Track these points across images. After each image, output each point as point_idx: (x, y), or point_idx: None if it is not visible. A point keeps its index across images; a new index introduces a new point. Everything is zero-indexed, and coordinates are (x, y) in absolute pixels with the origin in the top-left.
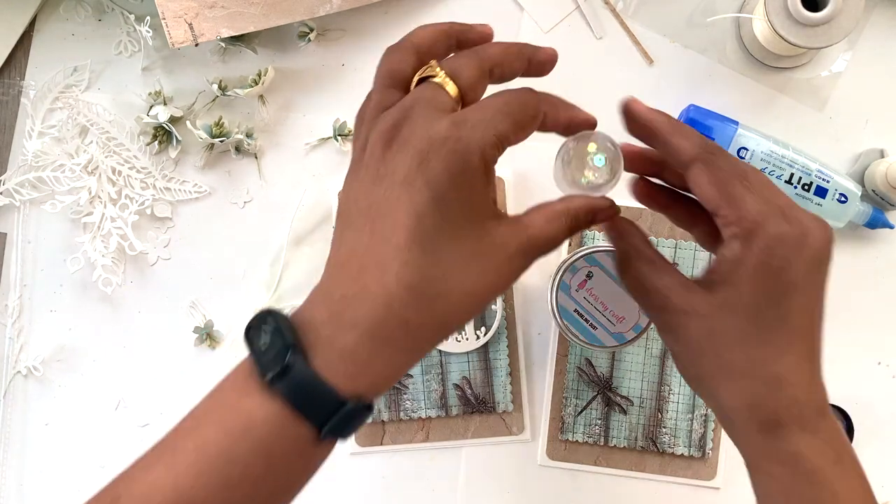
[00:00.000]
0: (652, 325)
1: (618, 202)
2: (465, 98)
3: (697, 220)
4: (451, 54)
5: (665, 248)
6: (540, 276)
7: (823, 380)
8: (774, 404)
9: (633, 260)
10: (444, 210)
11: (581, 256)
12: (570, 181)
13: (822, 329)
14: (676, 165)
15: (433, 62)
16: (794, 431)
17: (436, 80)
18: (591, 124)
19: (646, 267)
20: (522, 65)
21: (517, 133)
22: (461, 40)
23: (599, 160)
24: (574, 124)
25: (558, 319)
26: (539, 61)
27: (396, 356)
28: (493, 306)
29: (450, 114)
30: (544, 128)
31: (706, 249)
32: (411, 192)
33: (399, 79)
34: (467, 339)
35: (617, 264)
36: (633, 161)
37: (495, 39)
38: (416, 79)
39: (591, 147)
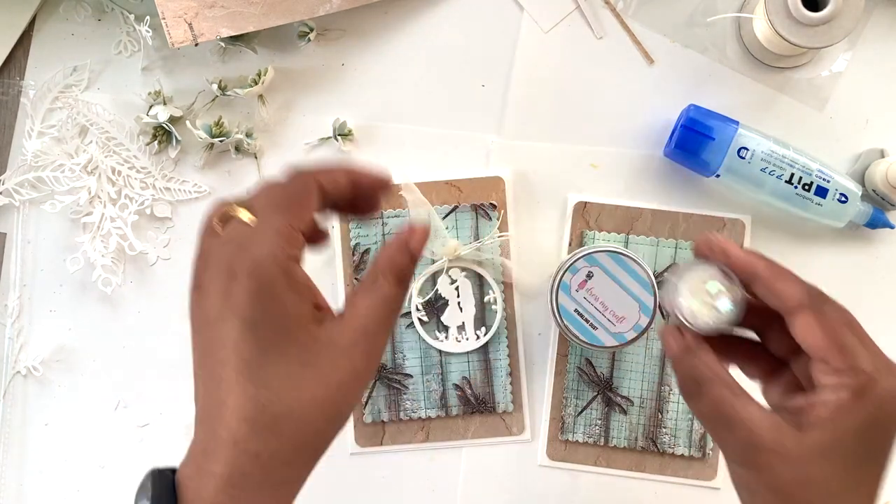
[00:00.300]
0: (652, 326)
1: (619, 202)
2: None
3: (775, 372)
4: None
5: (665, 247)
6: (540, 276)
7: None
8: None
9: (711, 384)
10: (258, 333)
11: (581, 257)
12: (688, 314)
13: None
14: (780, 310)
15: (234, 204)
16: None
17: (241, 215)
18: (381, 182)
19: (728, 393)
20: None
21: (302, 218)
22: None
23: (724, 304)
24: (363, 185)
25: (558, 319)
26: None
27: (261, 493)
28: (493, 306)
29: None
30: (337, 196)
31: (769, 399)
32: (224, 327)
33: (212, 226)
34: (467, 339)
35: (686, 387)
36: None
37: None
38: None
39: (713, 287)
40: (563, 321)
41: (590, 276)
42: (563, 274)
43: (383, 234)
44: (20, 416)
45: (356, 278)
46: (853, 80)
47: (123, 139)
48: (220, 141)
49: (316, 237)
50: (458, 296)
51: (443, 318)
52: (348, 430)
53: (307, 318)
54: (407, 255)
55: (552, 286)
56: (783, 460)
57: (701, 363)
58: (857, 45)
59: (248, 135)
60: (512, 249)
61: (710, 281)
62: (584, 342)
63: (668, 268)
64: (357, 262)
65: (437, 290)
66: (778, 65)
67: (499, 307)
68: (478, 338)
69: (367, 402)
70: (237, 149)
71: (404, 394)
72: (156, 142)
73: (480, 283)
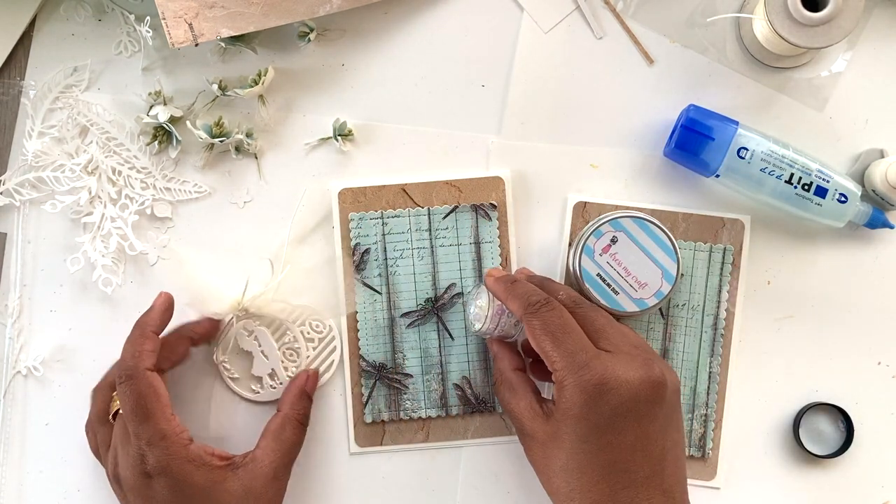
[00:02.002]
0: (672, 295)
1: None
2: None
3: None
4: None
5: None
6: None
7: None
8: None
9: (499, 384)
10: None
11: (606, 221)
12: (468, 323)
13: (639, 462)
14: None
15: (116, 399)
16: None
17: (121, 411)
18: (206, 333)
19: (507, 392)
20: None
21: (160, 362)
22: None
23: (477, 319)
24: (195, 335)
25: (581, 283)
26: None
27: None
28: (295, 345)
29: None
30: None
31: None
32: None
33: (104, 415)
34: (281, 383)
35: (494, 385)
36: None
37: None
38: (110, 418)
39: (474, 305)
40: (584, 285)
41: (614, 241)
42: (588, 238)
43: (383, 234)
44: (20, 416)
45: (356, 278)
46: (853, 80)
47: (124, 139)
48: (221, 141)
49: (176, 359)
50: (260, 345)
51: (253, 371)
52: (348, 430)
53: (219, 481)
54: (306, 399)
55: (575, 249)
56: (534, 443)
57: (496, 369)
58: (856, 46)
59: (249, 135)
60: (512, 250)
61: (477, 300)
62: (605, 307)
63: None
64: (357, 261)
65: (236, 344)
66: (778, 65)
67: (302, 346)
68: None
69: (367, 402)
70: (237, 149)
71: (404, 394)
72: (156, 142)
73: (280, 327)
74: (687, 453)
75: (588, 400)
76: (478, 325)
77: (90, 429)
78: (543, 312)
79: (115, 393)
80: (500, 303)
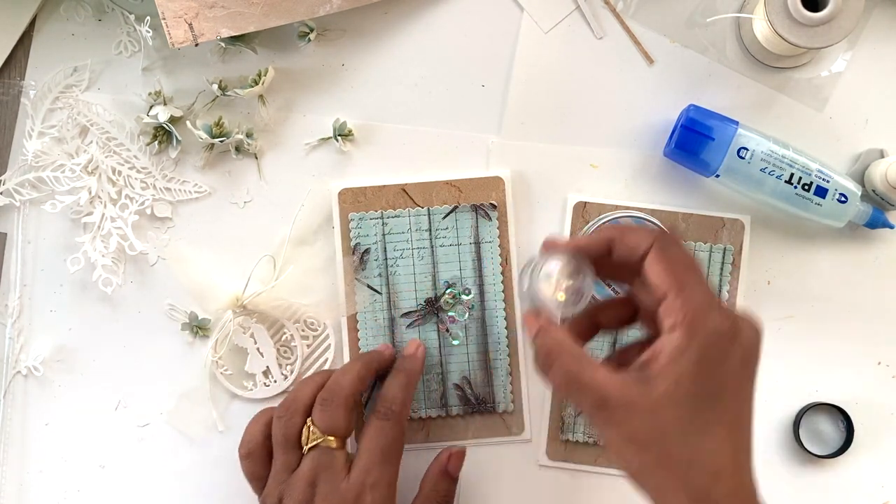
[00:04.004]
0: None
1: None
2: (347, 435)
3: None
4: (319, 402)
5: None
6: None
7: (754, 469)
8: (716, 495)
9: (560, 356)
10: None
11: (606, 221)
12: (543, 297)
13: (753, 421)
14: (635, 261)
15: (313, 426)
16: None
17: (322, 444)
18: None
19: (575, 363)
20: (373, 373)
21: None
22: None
23: (568, 292)
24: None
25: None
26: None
27: None
28: (292, 343)
29: (346, 469)
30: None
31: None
32: None
33: (294, 441)
34: (275, 381)
35: (540, 362)
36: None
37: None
38: (305, 447)
39: (560, 277)
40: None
41: None
42: None
43: (383, 234)
44: (20, 416)
45: (357, 278)
46: (853, 80)
47: (124, 139)
48: (221, 141)
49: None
50: (256, 342)
51: (246, 368)
52: None
53: None
54: (449, 481)
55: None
56: (632, 413)
57: (552, 340)
58: (856, 46)
59: (249, 135)
60: (512, 249)
61: (559, 272)
62: None
63: (529, 260)
64: (357, 261)
65: (232, 341)
66: (778, 65)
67: (298, 344)
68: (285, 377)
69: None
70: (237, 149)
71: None
72: (156, 142)
73: (275, 324)
74: None
75: (726, 345)
76: (557, 304)
77: (255, 456)
78: (675, 242)
79: (310, 420)
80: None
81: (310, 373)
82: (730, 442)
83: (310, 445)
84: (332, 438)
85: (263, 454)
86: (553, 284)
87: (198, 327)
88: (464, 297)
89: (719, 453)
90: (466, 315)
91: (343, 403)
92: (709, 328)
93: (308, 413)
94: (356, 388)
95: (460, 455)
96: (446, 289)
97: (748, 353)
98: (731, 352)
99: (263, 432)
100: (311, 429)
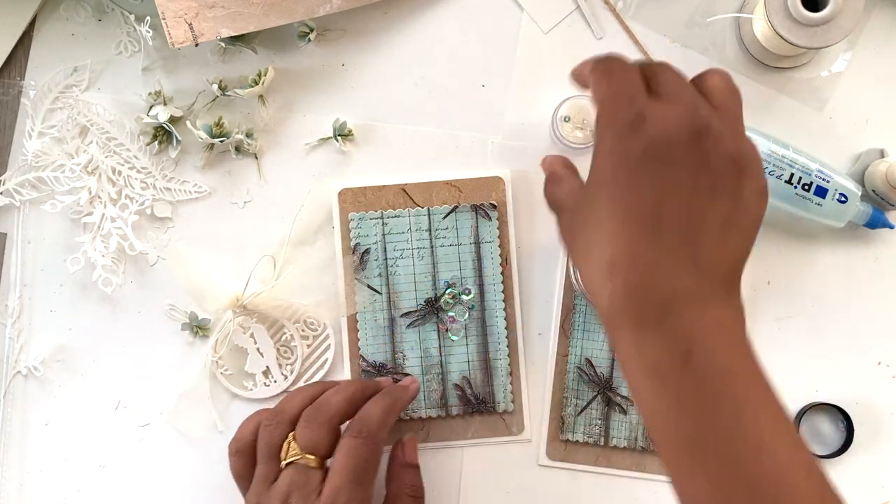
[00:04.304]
0: None
1: None
2: (328, 455)
3: None
4: (304, 417)
5: None
6: (540, 275)
7: (671, 266)
8: (615, 287)
9: (546, 183)
10: None
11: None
12: (563, 135)
13: (678, 222)
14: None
15: (293, 442)
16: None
17: (300, 461)
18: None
19: (552, 185)
20: (367, 399)
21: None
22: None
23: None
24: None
25: (580, 284)
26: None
27: None
28: (292, 344)
29: (320, 490)
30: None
31: None
32: None
33: (275, 451)
34: (275, 381)
35: (546, 192)
36: None
37: (493, 40)
38: (283, 461)
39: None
40: (583, 286)
41: None
42: None
43: (383, 234)
44: (20, 416)
45: (357, 278)
46: (853, 80)
47: (124, 139)
48: (221, 141)
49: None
50: (256, 342)
51: (246, 368)
52: None
53: None
54: (411, 470)
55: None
56: (567, 213)
57: (547, 172)
58: (856, 46)
59: (249, 135)
60: (512, 249)
61: (577, 109)
62: None
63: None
64: (357, 261)
65: (232, 341)
66: (778, 65)
67: (298, 344)
68: (285, 377)
69: None
70: (237, 149)
71: None
72: (156, 142)
73: (275, 324)
74: None
75: (622, 134)
76: (575, 139)
77: (243, 454)
78: (605, 61)
79: (292, 434)
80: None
81: (310, 373)
82: (623, 233)
83: (287, 461)
84: (311, 457)
85: (251, 455)
86: (570, 124)
87: (198, 327)
88: (464, 297)
89: (612, 242)
90: (466, 315)
91: (327, 422)
92: (614, 117)
93: (294, 425)
94: (344, 410)
95: (412, 441)
96: (446, 289)
97: (652, 138)
98: (631, 137)
99: (254, 433)
100: (290, 444)
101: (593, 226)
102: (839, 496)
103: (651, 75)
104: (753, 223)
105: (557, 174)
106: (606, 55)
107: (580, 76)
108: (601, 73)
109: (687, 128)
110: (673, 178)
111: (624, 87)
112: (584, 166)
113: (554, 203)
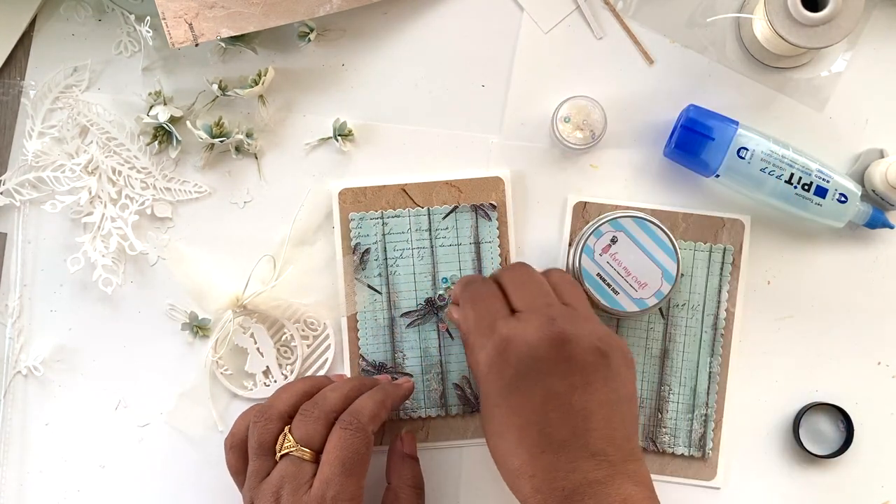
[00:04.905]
0: (671, 295)
1: (619, 202)
2: (322, 449)
3: None
4: (301, 412)
5: None
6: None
7: (548, 466)
8: (523, 494)
9: (465, 340)
10: None
11: (606, 221)
12: (562, 136)
13: (565, 424)
14: None
15: (289, 434)
16: None
17: (295, 453)
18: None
19: (466, 350)
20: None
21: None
22: (319, 390)
23: (584, 129)
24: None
25: (581, 283)
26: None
27: None
28: (292, 343)
29: (311, 483)
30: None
31: None
32: None
33: (268, 448)
34: (276, 381)
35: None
36: None
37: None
38: (278, 454)
39: (577, 114)
40: (584, 285)
41: (614, 241)
42: (588, 237)
43: (384, 234)
44: (20, 416)
45: (357, 278)
46: (853, 80)
47: (124, 139)
48: (221, 141)
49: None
50: (256, 342)
51: (246, 368)
52: None
53: None
54: (411, 462)
55: (575, 249)
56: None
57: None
58: (856, 46)
59: (249, 135)
60: (511, 249)
61: (577, 110)
62: (605, 307)
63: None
64: (357, 261)
65: (232, 341)
66: (777, 65)
67: (298, 344)
68: (285, 377)
69: None
70: (237, 149)
71: None
72: (156, 142)
73: (275, 324)
74: (687, 453)
75: (493, 361)
76: (575, 139)
77: (237, 450)
78: (468, 288)
79: (288, 427)
80: None
81: (310, 373)
82: (521, 447)
83: (282, 453)
84: (306, 450)
85: (246, 450)
86: (570, 124)
87: (198, 327)
88: None
89: (515, 455)
90: None
91: (324, 417)
92: (483, 346)
93: (284, 420)
94: (340, 406)
95: (410, 434)
96: (445, 286)
97: (520, 359)
98: (502, 363)
99: (247, 428)
100: (286, 436)
101: (496, 438)
102: None
103: (507, 290)
104: (631, 390)
105: (464, 341)
106: (466, 283)
107: (451, 309)
108: (464, 304)
109: (547, 339)
110: (548, 386)
111: (485, 315)
112: (584, 166)
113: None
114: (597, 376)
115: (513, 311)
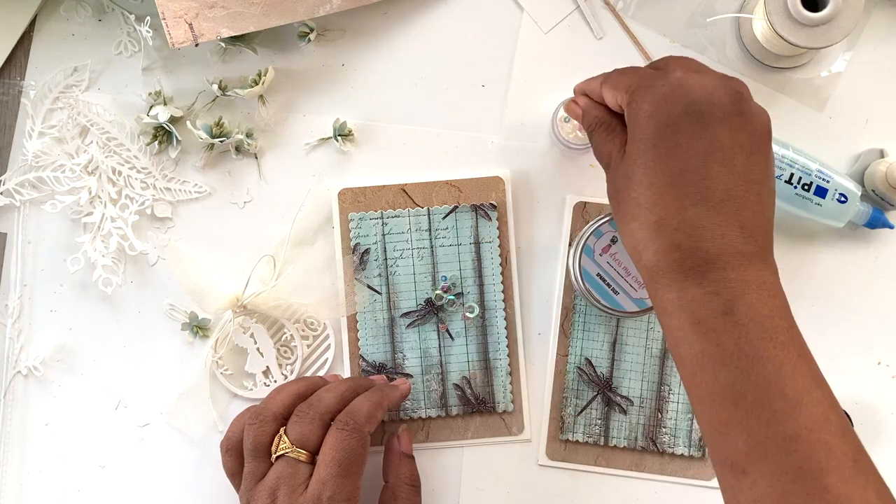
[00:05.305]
0: None
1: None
2: (318, 450)
3: None
4: (296, 413)
5: None
6: (540, 275)
7: (709, 231)
8: (654, 252)
9: (595, 128)
10: None
11: (606, 221)
12: (563, 135)
13: (724, 179)
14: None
15: (284, 436)
16: (674, 280)
17: (290, 454)
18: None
19: (604, 133)
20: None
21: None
22: (314, 391)
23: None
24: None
25: (580, 283)
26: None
27: None
28: (292, 344)
29: (307, 484)
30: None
31: None
32: None
33: (263, 450)
34: (276, 381)
35: (588, 134)
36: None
37: (493, 40)
38: (274, 455)
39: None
40: (584, 285)
41: (614, 241)
42: (588, 238)
43: (383, 234)
44: (20, 416)
45: (357, 278)
46: (853, 80)
47: (124, 139)
48: (221, 141)
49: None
50: (256, 342)
51: (246, 368)
52: None
53: None
54: (407, 461)
55: (575, 250)
56: (614, 173)
57: (592, 117)
58: (856, 46)
59: (249, 135)
60: (511, 250)
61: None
62: (605, 306)
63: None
64: (357, 261)
65: (232, 341)
66: (777, 65)
67: (298, 344)
68: (285, 377)
69: None
70: (237, 149)
71: None
72: (156, 142)
73: (275, 324)
74: (687, 453)
75: (663, 98)
76: (575, 139)
77: (234, 452)
78: (619, 70)
79: (283, 429)
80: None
81: (310, 373)
82: (670, 194)
83: (277, 455)
84: (301, 451)
85: (242, 452)
86: (570, 124)
87: (198, 327)
88: (471, 308)
89: (660, 203)
90: (476, 312)
91: (319, 418)
92: (650, 88)
93: (279, 422)
94: (336, 407)
95: (406, 432)
96: (445, 287)
97: (693, 99)
98: (671, 101)
99: (243, 430)
100: (282, 438)
101: (638, 186)
102: (870, 459)
103: (664, 65)
104: (774, 184)
105: (609, 122)
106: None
107: (591, 90)
108: (622, 71)
109: (726, 91)
110: (716, 138)
111: (649, 70)
112: (584, 166)
113: (603, 158)
114: (760, 151)
115: None
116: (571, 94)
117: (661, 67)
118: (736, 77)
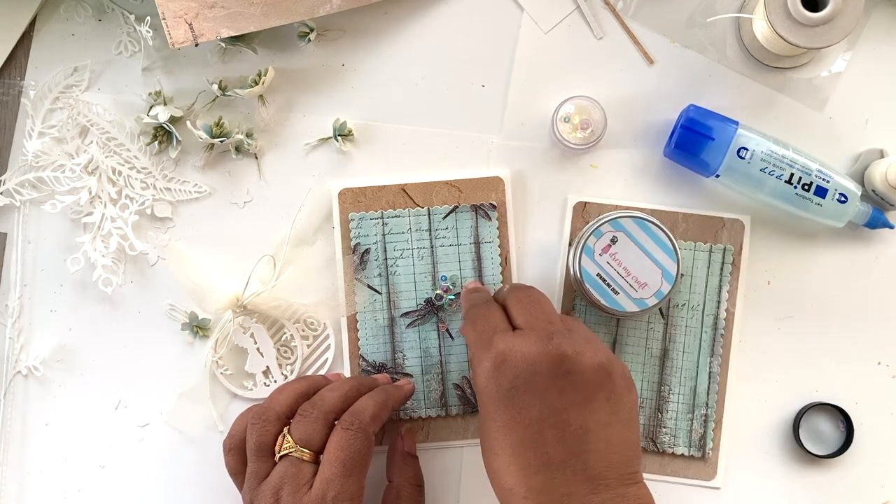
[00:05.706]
0: (671, 295)
1: (619, 202)
2: (322, 450)
3: None
4: (300, 412)
5: None
6: (540, 275)
7: (543, 485)
8: None
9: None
10: None
11: (606, 221)
12: (563, 136)
13: (562, 443)
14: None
15: (288, 435)
16: None
17: (294, 454)
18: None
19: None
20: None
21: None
22: (316, 390)
23: (584, 128)
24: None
25: (581, 283)
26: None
27: None
28: (292, 344)
29: (311, 483)
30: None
31: None
32: None
33: (267, 449)
34: (276, 381)
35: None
36: None
37: (493, 40)
38: (277, 455)
39: (576, 115)
40: (584, 285)
41: (614, 241)
42: (588, 238)
43: (383, 234)
44: (20, 416)
45: (357, 278)
46: (853, 81)
47: (124, 139)
48: (221, 141)
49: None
50: (256, 342)
51: (246, 368)
52: None
53: None
54: (412, 461)
55: (575, 250)
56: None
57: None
58: (856, 46)
59: (249, 135)
60: (511, 250)
61: (577, 110)
62: (605, 307)
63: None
64: (357, 261)
65: (232, 341)
66: (777, 65)
67: (298, 344)
68: (285, 377)
69: None
70: (237, 149)
71: None
72: (156, 142)
73: (275, 324)
74: (687, 453)
75: (490, 374)
76: (575, 139)
77: (236, 451)
78: (473, 309)
79: (286, 428)
80: None
81: (310, 373)
82: (514, 464)
83: (281, 454)
84: (305, 450)
85: (244, 452)
86: (570, 124)
87: (198, 327)
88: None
89: (507, 473)
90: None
91: (323, 418)
92: (482, 360)
93: (282, 421)
94: (340, 406)
95: (410, 432)
96: (445, 287)
97: (517, 373)
98: (499, 376)
99: (245, 430)
100: (285, 437)
101: (490, 454)
102: None
103: (510, 308)
104: (633, 414)
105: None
106: (469, 292)
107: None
108: (467, 321)
109: (546, 354)
110: (546, 403)
111: (486, 328)
112: (584, 166)
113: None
114: (598, 395)
115: (514, 329)
116: (572, 94)
117: (499, 301)
118: (557, 330)
